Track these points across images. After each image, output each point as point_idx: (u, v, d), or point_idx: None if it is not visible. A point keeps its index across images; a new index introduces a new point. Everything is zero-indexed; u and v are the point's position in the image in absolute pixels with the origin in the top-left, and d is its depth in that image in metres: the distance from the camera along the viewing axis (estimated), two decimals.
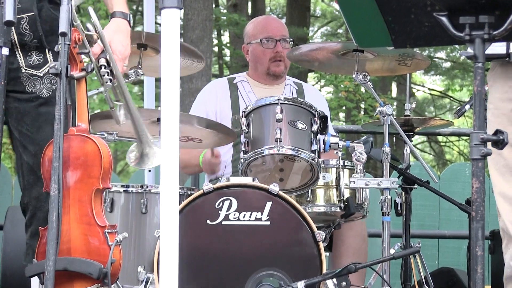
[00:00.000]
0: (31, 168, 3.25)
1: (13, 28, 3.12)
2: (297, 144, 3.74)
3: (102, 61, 3.13)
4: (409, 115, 4.35)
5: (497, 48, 2.98)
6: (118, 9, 3.31)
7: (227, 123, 4.36)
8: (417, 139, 16.80)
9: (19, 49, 3.25)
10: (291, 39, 4.74)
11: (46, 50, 3.29)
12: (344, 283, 3.47)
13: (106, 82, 3.12)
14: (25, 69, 3.27)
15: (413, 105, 4.73)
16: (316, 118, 3.80)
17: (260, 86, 4.71)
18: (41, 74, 3.28)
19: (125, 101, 3.20)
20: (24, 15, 3.23)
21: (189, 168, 4.68)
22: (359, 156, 3.85)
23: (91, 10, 3.10)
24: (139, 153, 3.31)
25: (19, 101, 3.27)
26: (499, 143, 2.35)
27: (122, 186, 3.97)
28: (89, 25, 3.11)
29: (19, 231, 4.82)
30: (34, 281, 3.15)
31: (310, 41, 15.03)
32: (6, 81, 2.83)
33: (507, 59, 2.98)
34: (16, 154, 3.35)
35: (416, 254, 3.90)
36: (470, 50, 2.34)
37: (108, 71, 3.13)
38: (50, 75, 3.03)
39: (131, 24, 3.39)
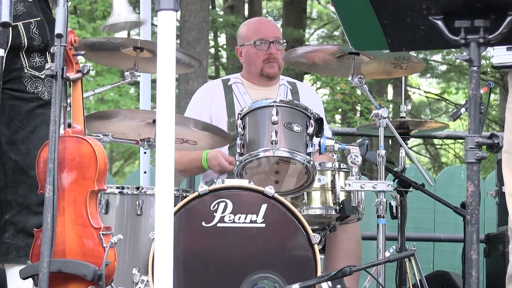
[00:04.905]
0: (20, 167, 3.25)
1: (24, 32, 3.20)
2: (293, 147, 3.74)
3: None
4: (404, 117, 4.35)
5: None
6: None
7: (223, 125, 4.36)
8: (413, 141, 16.80)
9: (23, 51, 3.27)
10: (284, 41, 4.74)
11: (47, 53, 3.31)
12: (338, 286, 3.47)
13: None
14: (28, 69, 3.29)
15: (409, 107, 4.70)
16: (311, 121, 3.80)
17: (255, 87, 4.70)
18: (43, 76, 3.30)
19: None
20: (32, 20, 3.27)
21: (190, 171, 4.66)
22: (354, 158, 3.85)
23: None
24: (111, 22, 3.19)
25: (15, 99, 3.27)
26: (494, 147, 2.35)
27: (117, 187, 3.96)
28: None
29: None
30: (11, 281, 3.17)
31: (307, 43, 15.04)
32: (2, 81, 2.83)
33: None
34: None
35: (411, 257, 3.90)
36: (465, 54, 2.34)
37: None
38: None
39: None
